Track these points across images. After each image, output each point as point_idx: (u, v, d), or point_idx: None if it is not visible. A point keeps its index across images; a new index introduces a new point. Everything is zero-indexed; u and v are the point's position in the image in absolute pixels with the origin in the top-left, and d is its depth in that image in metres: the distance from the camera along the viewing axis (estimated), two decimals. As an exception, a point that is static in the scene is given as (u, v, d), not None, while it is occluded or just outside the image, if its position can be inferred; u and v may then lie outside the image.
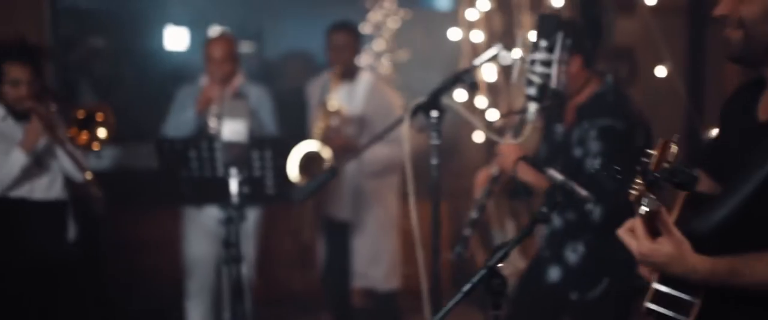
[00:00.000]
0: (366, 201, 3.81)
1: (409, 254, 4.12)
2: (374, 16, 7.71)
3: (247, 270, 3.39)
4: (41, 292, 3.14)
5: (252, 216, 3.66)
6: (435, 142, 2.10)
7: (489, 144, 4.63)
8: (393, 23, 7.40)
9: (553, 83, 1.97)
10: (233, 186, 2.37)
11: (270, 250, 4.50)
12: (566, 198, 1.79)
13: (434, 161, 2.13)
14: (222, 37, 3.92)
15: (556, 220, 2.62)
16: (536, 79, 1.97)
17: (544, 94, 2.02)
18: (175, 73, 7.57)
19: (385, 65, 6.58)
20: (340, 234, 3.88)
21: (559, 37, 1.93)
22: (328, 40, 3.83)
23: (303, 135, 4.33)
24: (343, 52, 3.76)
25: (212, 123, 3.49)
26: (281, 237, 4.69)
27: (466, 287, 1.69)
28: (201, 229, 3.85)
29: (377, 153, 3.61)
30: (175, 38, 7.80)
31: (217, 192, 3.04)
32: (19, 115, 3.33)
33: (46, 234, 2.95)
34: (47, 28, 5.26)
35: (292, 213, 4.44)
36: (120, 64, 6.97)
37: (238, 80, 3.83)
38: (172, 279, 5.21)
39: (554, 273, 2.70)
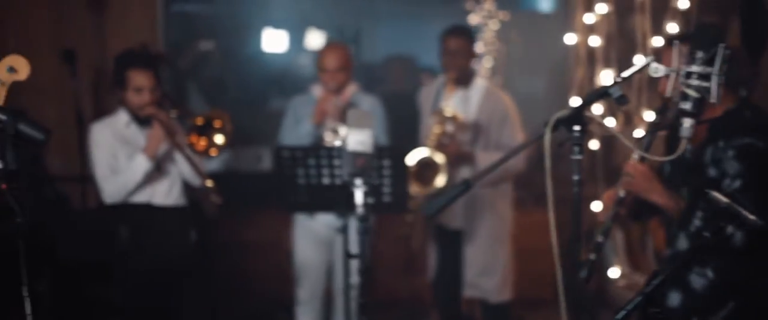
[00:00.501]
0: (479, 210, 3.74)
1: (518, 263, 4.06)
2: (474, 18, 7.62)
3: (355, 277, 3.36)
4: (166, 296, 3.22)
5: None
6: (577, 157, 1.99)
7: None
8: (493, 25, 7.29)
9: (712, 98, 1.84)
10: (358, 196, 2.34)
11: (375, 256, 4.49)
12: (732, 222, 1.66)
13: (576, 176, 2.02)
14: (336, 46, 3.90)
15: (682, 242, 2.46)
16: (693, 93, 1.85)
17: (700, 109, 1.89)
18: (276, 76, 7.70)
19: (485, 68, 6.46)
20: (452, 243, 3.82)
21: (720, 49, 1.80)
22: (443, 44, 3.74)
23: (411, 140, 4.30)
24: (458, 57, 3.68)
25: (328, 136, 3.49)
26: (387, 243, 4.67)
27: (620, 314, 1.59)
28: (312, 236, 3.85)
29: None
30: (275, 41, 7.95)
31: (334, 201, 3.03)
32: (141, 121, 3.41)
33: (171, 238, 3.01)
34: (160, 33, 5.42)
35: (396, 220, 4.42)
36: (226, 67, 7.12)
37: (351, 89, 3.80)
38: (277, 281, 5.29)
39: (675, 299, 2.53)
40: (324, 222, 3.77)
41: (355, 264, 3.12)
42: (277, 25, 7.99)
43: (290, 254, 5.13)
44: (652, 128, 2.31)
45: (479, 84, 3.82)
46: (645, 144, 2.34)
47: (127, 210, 3.08)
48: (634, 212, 2.59)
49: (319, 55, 3.82)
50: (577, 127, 1.98)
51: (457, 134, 3.59)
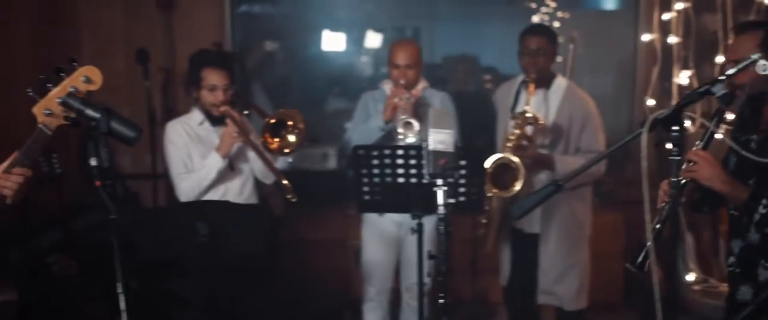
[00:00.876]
0: (557, 214, 3.64)
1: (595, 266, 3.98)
2: (536, 18, 7.54)
3: (426, 277, 3.34)
4: (238, 293, 3.25)
5: (430, 222, 3.59)
6: (675, 158, 1.93)
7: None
8: (557, 24, 7.20)
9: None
10: (440, 196, 2.32)
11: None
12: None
13: (674, 178, 1.95)
14: (407, 42, 3.86)
15: (753, 235, 2.37)
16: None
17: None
18: (336, 77, 7.73)
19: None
20: (528, 247, 3.73)
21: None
22: (522, 44, 3.60)
23: (480, 140, 4.23)
24: (538, 57, 3.55)
25: (400, 129, 3.45)
26: (453, 243, 4.63)
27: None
28: (380, 235, 3.83)
29: (573, 165, 3.43)
30: (334, 42, 7.98)
31: (409, 200, 3.01)
32: (215, 120, 3.45)
33: (247, 235, 3.04)
34: (227, 33, 5.49)
35: (459, 221, 4.38)
36: (290, 67, 7.19)
37: (421, 85, 3.77)
38: (342, 279, 5.31)
39: (745, 292, 2.44)
40: (392, 221, 3.77)
41: (427, 263, 3.11)
42: (338, 26, 8.02)
43: (355, 252, 5.16)
44: (717, 115, 2.22)
45: (560, 83, 3.69)
46: (709, 133, 2.26)
47: (205, 207, 3.12)
48: (694, 203, 2.50)
49: (389, 51, 3.76)
50: (675, 127, 1.91)
51: (536, 137, 3.50)
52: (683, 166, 2.26)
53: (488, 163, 3.33)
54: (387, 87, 3.83)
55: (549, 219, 3.64)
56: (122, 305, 1.69)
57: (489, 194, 3.42)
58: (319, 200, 4.87)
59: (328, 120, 6.59)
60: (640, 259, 2.23)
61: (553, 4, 7.38)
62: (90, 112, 1.82)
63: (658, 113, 1.92)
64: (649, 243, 2.10)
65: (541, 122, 3.48)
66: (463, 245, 4.55)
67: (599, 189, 5.17)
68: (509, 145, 3.43)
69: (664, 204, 2.32)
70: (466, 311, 4.94)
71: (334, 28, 7.90)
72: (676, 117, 1.91)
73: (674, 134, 1.90)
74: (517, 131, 3.43)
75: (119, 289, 1.69)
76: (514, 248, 3.80)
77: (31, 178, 2.10)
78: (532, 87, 3.46)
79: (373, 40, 8.17)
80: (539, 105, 3.58)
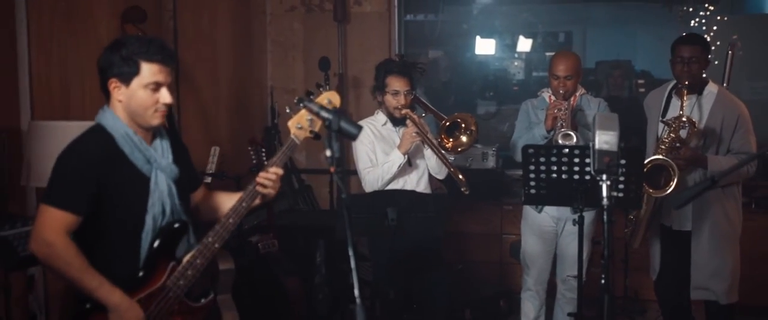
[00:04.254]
0: (709, 212, 3.76)
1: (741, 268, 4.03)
2: (692, 23, 7.51)
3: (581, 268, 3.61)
4: (415, 277, 3.66)
5: (588, 218, 3.87)
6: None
7: None
8: (715, 28, 7.15)
9: None
10: (604, 190, 2.63)
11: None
12: None
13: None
14: (567, 54, 4.11)
15: None
16: None
17: None
18: (491, 82, 8.07)
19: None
20: (679, 243, 3.86)
21: None
22: (675, 52, 3.76)
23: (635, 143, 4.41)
24: (692, 64, 3.70)
25: (560, 141, 3.72)
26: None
27: None
28: (538, 229, 4.16)
29: (725, 164, 3.59)
30: (486, 48, 8.29)
31: (569, 195, 3.34)
32: (396, 121, 3.91)
33: (429, 222, 3.43)
34: (395, 43, 5.95)
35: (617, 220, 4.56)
36: (453, 73, 7.58)
37: (579, 92, 4.05)
38: (497, 270, 5.66)
39: None
40: (550, 216, 4.10)
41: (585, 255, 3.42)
42: (494, 33, 8.32)
43: (510, 245, 5.48)
44: None
45: (712, 89, 3.83)
46: None
47: (395, 195, 3.53)
48: None
49: (550, 62, 4.05)
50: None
51: (690, 140, 3.64)
52: None
53: (648, 163, 3.53)
54: (546, 95, 4.14)
55: (701, 217, 3.76)
56: (354, 276, 2.04)
57: (647, 193, 3.60)
58: (479, 196, 5.24)
59: (480, 122, 6.92)
60: None
61: (711, 8, 7.31)
62: (324, 114, 2.30)
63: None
64: None
65: (695, 126, 3.62)
66: (617, 243, 4.73)
67: (754, 194, 5.21)
68: (663, 147, 3.60)
69: None
70: (619, 306, 5.13)
71: (490, 34, 8.22)
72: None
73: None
74: (673, 135, 3.60)
75: (352, 264, 2.07)
76: (665, 245, 3.94)
77: (283, 176, 2.62)
78: (684, 93, 3.61)
79: (525, 44, 8.42)
80: (691, 110, 3.73)
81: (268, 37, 6.14)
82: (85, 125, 3.36)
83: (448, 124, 3.84)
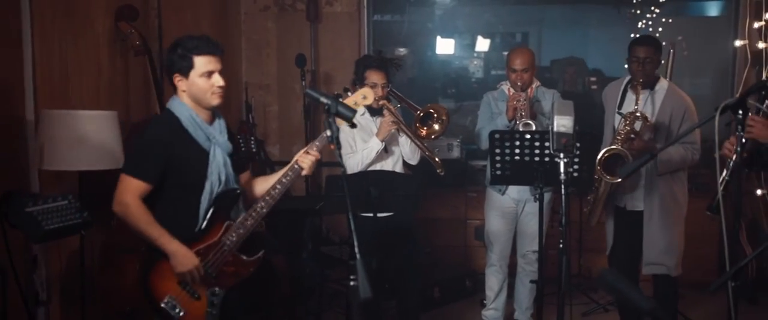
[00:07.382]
0: (659, 194, 4.11)
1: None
2: (639, 24, 7.98)
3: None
4: (389, 256, 4.01)
5: (546, 197, 4.24)
6: (741, 134, 2.59)
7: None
8: (661, 29, 7.63)
9: None
10: (561, 166, 3.02)
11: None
12: None
13: (738, 148, 2.61)
14: (523, 49, 4.53)
15: None
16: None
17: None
18: (452, 79, 8.45)
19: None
20: (631, 223, 4.20)
21: None
22: (631, 52, 4.10)
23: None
24: (646, 64, 4.05)
25: (521, 129, 4.10)
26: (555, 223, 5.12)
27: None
28: (501, 210, 4.57)
29: (673, 153, 3.98)
30: (446, 47, 8.66)
31: (532, 175, 3.73)
32: (374, 111, 4.26)
33: (406, 201, 3.80)
34: (365, 41, 6.29)
35: (571, 204, 4.93)
36: (417, 70, 7.93)
37: (535, 85, 4.47)
38: (462, 253, 6.04)
39: None
40: (511, 198, 4.52)
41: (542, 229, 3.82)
42: (453, 33, 8.67)
43: (474, 230, 5.87)
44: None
45: (663, 85, 4.19)
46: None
47: (372, 175, 3.90)
48: (748, 160, 2.88)
49: (507, 57, 4.46)
50: (740, 112, 2.58)
51: (643, 132, 4.00)
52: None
53: (601, 153, 3.90)
54: (505, 88, 4.55)
55: (652, 199, 4.13)
56: (353, 235, 2.40)
57: (604, 179, 3.96)
58: (444, 184, 5.57)
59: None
60: (714, 204, 2.76)
61: (657, 11, 7.77)
62: (323, 99, 2.65)
63: (727, 101, 2.58)
64: (720, 193, 2.72)
65: (648, 119, 3.99)
66: (572, 226, 5.14)
67: (696, 180, 5.66)
68: (619, 138, 3.96)
69: (729, 161, 2.74)
70: (573, 283, 5.56)
71: (451, 34, 8.57)
72: (741, 104, 2.57)
73: (739, 116, 2.57)
74: (628, 128, 3.95)
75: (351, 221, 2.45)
76: (618, 223, 4.31)
77: (318, 159, 3.07)
78: (639, 89, 3.98)
79: (483, 44, 8.82)
80: (644, 104, 4.08)
81: (243, 36, 6.40)
82: (91, 114, 3.66)
83: (421, 114, 4.21)
